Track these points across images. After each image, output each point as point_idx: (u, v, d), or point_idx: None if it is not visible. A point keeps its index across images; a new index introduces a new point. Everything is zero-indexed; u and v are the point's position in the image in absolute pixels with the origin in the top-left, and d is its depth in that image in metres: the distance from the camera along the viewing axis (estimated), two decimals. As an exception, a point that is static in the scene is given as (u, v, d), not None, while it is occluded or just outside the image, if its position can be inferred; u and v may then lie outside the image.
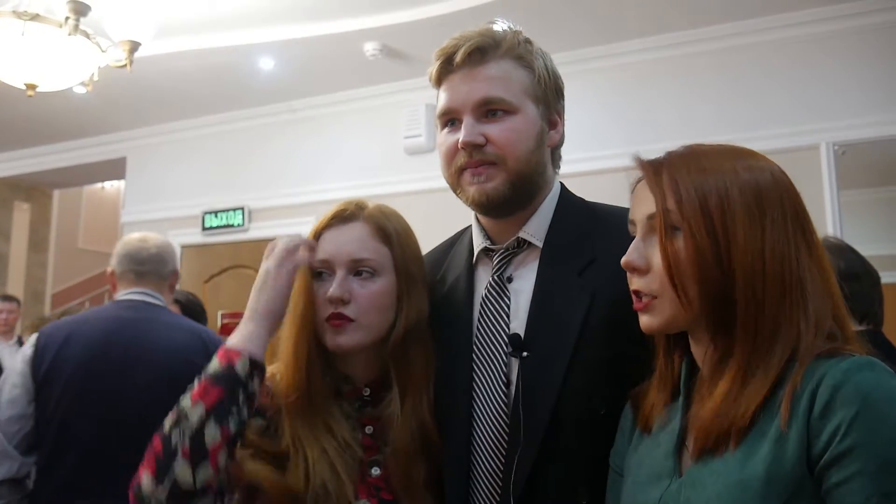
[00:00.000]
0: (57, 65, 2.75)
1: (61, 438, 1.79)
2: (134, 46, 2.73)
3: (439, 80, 1.16)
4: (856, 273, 1.77)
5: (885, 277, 2.00)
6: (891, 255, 3.73)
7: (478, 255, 1.21)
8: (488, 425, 1.09)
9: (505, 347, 1.10)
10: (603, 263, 1.09)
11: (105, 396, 1.80)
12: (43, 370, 1.82)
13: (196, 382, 0.99)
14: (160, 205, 5.05)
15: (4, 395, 1.82)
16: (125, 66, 2.76)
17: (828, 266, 0.86)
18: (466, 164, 1.11)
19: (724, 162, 0.87)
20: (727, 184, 0.85)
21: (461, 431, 1.11)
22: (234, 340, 1.03)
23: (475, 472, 1.09)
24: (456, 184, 1.15)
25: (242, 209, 4.73)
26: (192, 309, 2.82)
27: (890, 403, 0.73)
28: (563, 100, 1.20)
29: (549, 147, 1.17)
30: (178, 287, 4.74)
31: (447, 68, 1.14)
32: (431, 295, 1.21)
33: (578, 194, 1.24)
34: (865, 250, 1.92)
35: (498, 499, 1.06)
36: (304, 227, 4.46)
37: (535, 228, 1.15)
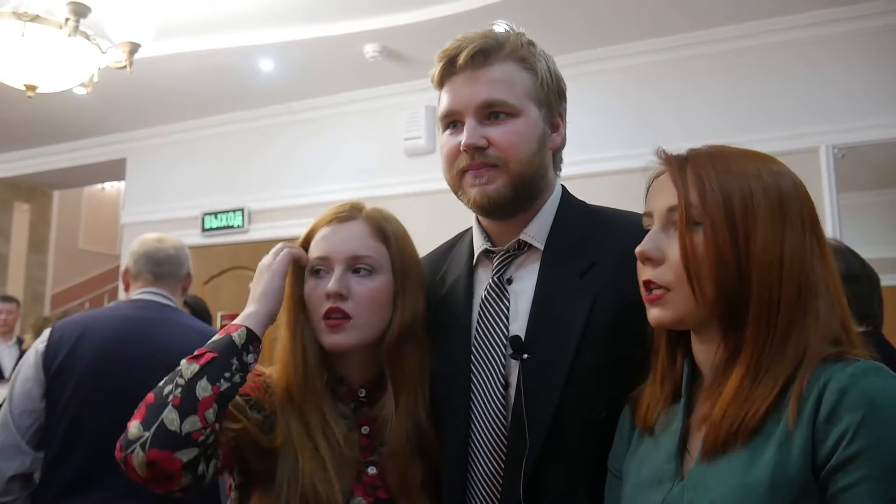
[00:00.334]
0: (57, 66, 2.74)
1: (71, 434, 1.78)
2: (134, 48, 2.73)
3: (441, 82, 1.16)
4: (856, 275, 1.79)
5: (885, 280, 2.01)
6: (890, 258, 3.74)
7: (478, 257, 1.20)
8: (486, 427, 1.09)
9: (504, 349, 1.10)
10: (604, 266, 1.09)
11: (117, 394, 1.77)
12: (56, 365, 1.81)
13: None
14: (160, 206, 5.05)
15: (17, 388, 1.80)
16: (125, 67, 2.76)
17: (836, 273, 0.87)
18: (468, 167, 1.11)
19: (749, 164, 0.88)
20: (751, 185, 0.85)
21: (459, 433, 1.11)
22: (235, 321, 1.07)
23: (472, 474, 1.09)
24: (457, 186, 1.15)
25: (242, 210, 4.73)
26: (199, 313, 2.82)
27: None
28: (566, 102, 1.20)
29: (550, 149, 1.17)
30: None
31: (450, 70, 1.14)
32: (431, 296, 1.22)
33: (578, 196, 1.24)
34: (865, 253, 1.92)
35: (497, 501, 1.06)
36: (304, 229, 4.45)
37: (537, 230, 1.15)
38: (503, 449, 1.07)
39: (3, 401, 1.82)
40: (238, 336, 1.03)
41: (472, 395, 1.11)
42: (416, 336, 1.16)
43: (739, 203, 0.84)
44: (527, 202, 1.14)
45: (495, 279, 1.16)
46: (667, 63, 3.73)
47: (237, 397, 1.04)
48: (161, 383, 0.99)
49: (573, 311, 1.07)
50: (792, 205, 0.85)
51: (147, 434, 0.93)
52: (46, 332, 1.89)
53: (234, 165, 4.84)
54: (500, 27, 1.16)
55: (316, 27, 3.72)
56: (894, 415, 0.73)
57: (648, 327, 0.92)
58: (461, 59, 1.11)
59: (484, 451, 1.08)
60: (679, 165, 0.89)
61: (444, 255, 1.29)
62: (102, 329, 1.87)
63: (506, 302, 1.13)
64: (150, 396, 0.98)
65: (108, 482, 1.73)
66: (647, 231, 0.92)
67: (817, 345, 0.81)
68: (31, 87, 2.75)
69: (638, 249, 0.90)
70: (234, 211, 4.76)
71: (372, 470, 1.12)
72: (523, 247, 1.16)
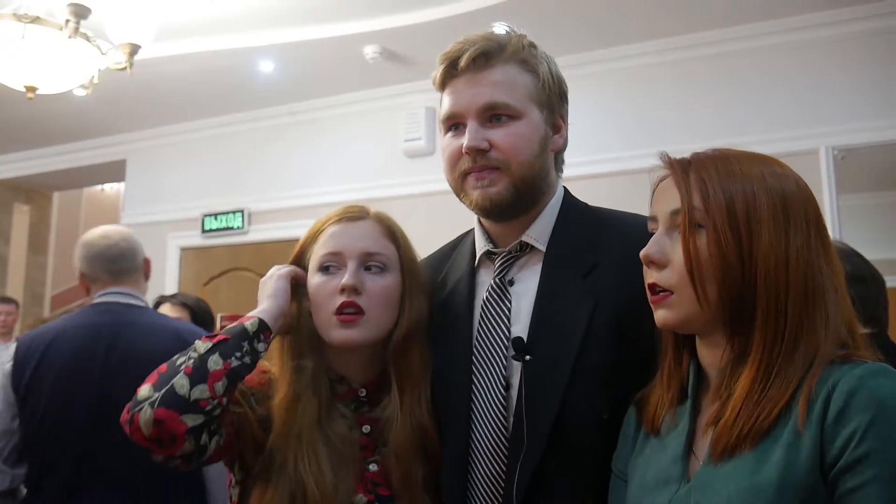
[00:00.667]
0: (57, 67, 2.75)
1: (52, 448, 1.76)
2: (134, 49, 2.73)
3: (443, 84, 1.16)
4: (862, 276, 1.79)
5: (886, 282, 2.01)
6: (890, 260, 3.73)
7: (480, 259, 1.21)
8: (487, 428, 1.09)
9: (506, 350, 1.10)
10: (606, 268, 1.09)
11: (93, 405, 1.77)
12: (24, 383, 1.77)
13: None
14: (160, 207, 5.05)
15: None
16: (125, 68, 2.76)
17: (841, 275, 0.87)
18: (470, 169, 1.12)
19: (752, 167, 0.88)
20: (755, 188, 0.86)
21: (460, 434, 1.11)
22: (251, 313, 1.11)
23: (473, 476, 1.09)
24: (459, 188, 1.15)
25: (242, 212, 4.72)
26: (202, 316, 2.80)
27: None
28: (567, 104, 1.20)
29: (552, 151, 1.17)
30: (178, 290, 4.76)
31: (451, 72, 1.14)
32: (432, 297, 1.22)
33: (578, 198, 1.24)
34: (865, 255, 1.92)
35: (498, 503, 1.06)
36: (304, 230, 4.45)
37: (539, 232, 1.15)
38: (504, 450, 1.07)
39: None
40: (250, 325, 1.06)
41: (474, 396, 1.11)
42: (420, 337, 1.17)
43: (742, 205, 0.85)
44: (529, 204, 1.14)
45: (497, 280, 1.16)
46: (667, 65, 3.73)
47: (243, 387, 1.07)
48: (175, 356, 1.03)
49: (575, 313, 1.07)
50: (796, 207, 0.86)
51: (157, 395, 0.96)
52: (12, 349, 1.85)
53: (234, 167, 4.84)
54: (501, 29, 1.16)
55: (316, 28, 3.72)
56: None
57: (656, 329, 0.93)
58: (463, 62, 1.11)
59: (485, 453, 1.08)
60: (682, 169, 0.89)
61: (445, 257, 1.29)
62: (68, 341, 1.82)
63: (507, 303, 1.13)
64: (164, 366, 1.02)
65: (97, 490, 1.73)
66: (652, 234, 0.92)
67: (827, 346, 0.81)
68: (32, 89, 2.75)
69: (642, 253, 0.90)
70: (233, 212, 4.75)
71: (373, 467, 1.13)
72: (525, 248, 1.16)
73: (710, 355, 0.90)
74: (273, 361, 1.17)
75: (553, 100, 1.15)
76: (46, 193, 6.47)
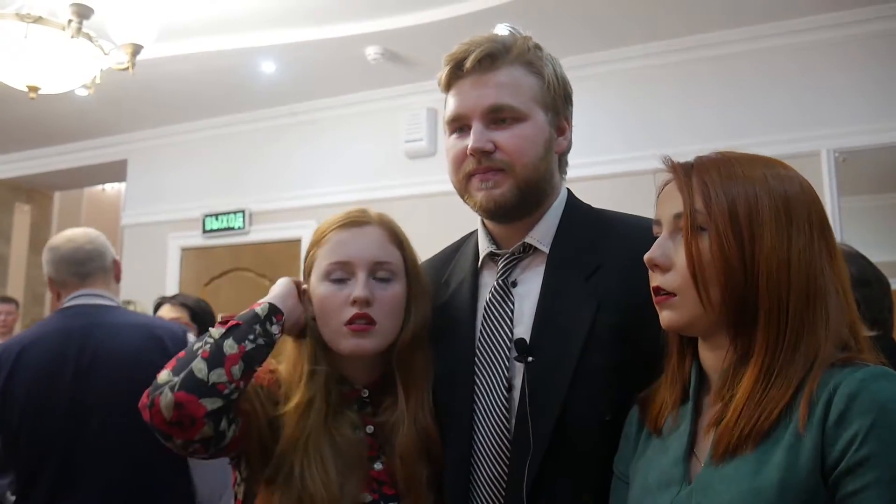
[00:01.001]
0: (59, 67, 2.75)
1: (32, 458, 1.76)
2: (136, 49, 2.73)
3: (448, 86, 1.16)
4: (867, 279, 1.79)
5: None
6: (891, 262, 3.73)
7: (483, 260, 1.21)
8: (489, 429, 1.09)
9: (508, 352, 1.10)
10: (610, 270, 1.10)
11: (66, 410, 1.76)
12: None
13: None
14: (160, 207, 5.05)
15: None
16: (127, 68, 2.77)
17: (846, 277, 0.87)
18: (475, 171, 1.12)
19: (755, 169, 0.88)
20: (757, 190, 0.86)
21: (462, 435, 1.11)
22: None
23: (476, 477, 1.09)
24: (464, 189, 1.15)
25: (243, 212, 4.73)
26: (202, 316, 2.80)
27: None
28: (572, 106, 1.20)
29: (556, 153, 1.17)
30: (179, 290, 4.75)
31: (457, 74, 1.14)
32: (435, 298, 1.22)
33: (579, 199, 1.24)
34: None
35: (502, 503, 1.06)
36: (305, 231, 4.46)
37: (542, 234, 1.16)
38: (506, 451, 1.07)
39: None
40: (261, 309, 1.08)
41: (476, 398, 1.11)
42: (423, 340, 1.17)
43: (744, 208, 0.85)
44: (533, 206, 1.15)
45: (500, 282, 1.16)
46: (669, 66, 3.73)
47: (254, 383, 1.07)
48: (192, 342, 1.05)
49: (578, 314, 1.07)
50: (798, 208, 0.86)
51: (176, 379, 0.98)
52: None
53: (235, 167, 4.84)
54: (505, 30, 1.16)
55: (317, 29, 3.72)
56: None
57: (661, 330, 0.93)
58: (468, 63, 1.11)
59: (487, 454, 1.08)
60: (685, 173, 0.90)
61: (448, 258, 1.30)
62: (39, 347, 1.81)
63: (510, 304, 1.13)
64: (182, 353, 1.04)
65: (83, 493, 1.73)
66: (656, 237, 0.92)
67: (828, 348, 0.81)
68: (34, 89, 2.76)
69: (646, 256, 0.91)
70: (234, 212, 4.75)
71: (378, 466, 1.13)
72: (528, 250, 1.16)
73: (712, 357, 0.90)
74: (285, 364, 1.17)
75: (558, 102, 1.16)
76: (47, 193, 6.47)
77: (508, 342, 1.11)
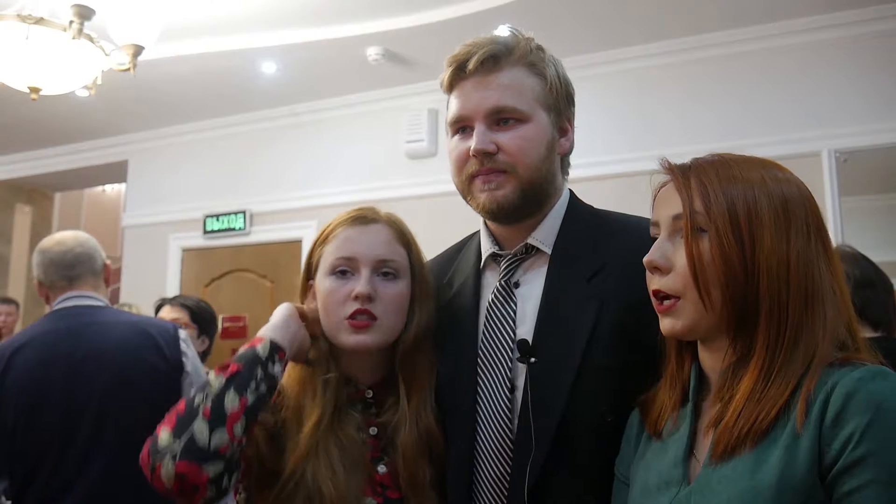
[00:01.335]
0: (61, 68, 2.75)
1: (27, 461, 1.76)
2: (137, 50, 2.73)
3: (451, 87, 1.16)
4: (871, 281, 1.80)
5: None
6: (893, 262, 3.73)
7: (485, 261, 1.21)
8: (492, 430, 1.09)
9: (511, 352, 1.10)
10: (612, 271, 1.10)
11: (59, 413, 1.76)
12: None
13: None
14: (161, 208, 5.05)
15: None
16: (129, 69, 2.77)
17: (842, 277, 0.88)
18: (477, 172, 1.12)
19: (753, 171, 0.89)
20: (755, 191, 0.86)
21: (465, 435, 1.11)
22: (260, 332, 1.08)
23: (478, 477, 1.09)
24: (466, 191, 1.15)
25: (244, 213, 4.73)
26: (203, 317, 2.80)
27: None
28: (574, 107, 1.20)
29: (559, 154, 1.17)
30: (179, 290, 4.75)
31: (459, 75, 1.14)
32: (438, 299, 1.22)
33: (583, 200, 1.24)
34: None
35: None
36: (306, 231, 4.46)
37: (545, 235, 1.16)
38: (509, 452, 1.07)
39: None
40: (262, 348, 1.04)
41: (479, 398, 1.11)
42: (427, 340, 1.18)
43: (744, 209, 0.85)
44: (535, 207, 1.15)
45: (503, 283, 1.16)
46: (669, 67, 3.73)
47: None
48: (192, 393, 1.00)
49: (580, 316, 1.07)
50: (797, 210, 0.86)
51: (177, 445, 0.94)
52: None
53: (236, 168, 4.84)
54: (506, 31, 1.16)
55: (318, 30, 3.72)
56: None
57: (660, 333, 0.93)
58: (471, 65, 1.11)
59: (490, 455, 1.08)
60: (683, 174, 0.90)
61: (451, 259, 1.30)
62: (30, 351, 1.81)
63: (513, 305, 1.14)
64: (181, 404, 0.99)
65: (77, 496, 1.73)
66: (655, 239, 0.92)
67: (825, 348, 0.82)
68: (35, 90, 2.76)
69: (646, 259, 0.91)
70: (235, 213, 4.76)
71: (382, 469, 1.13)
72: (531, 251, 1.16)
73: (712, 359, 0.90)
74: (288, 369, 1.16)
75: (560, 103, 1.16)
76: (48, 194, 6.47)
77: (511, 343, 1.11)
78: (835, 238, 3.22)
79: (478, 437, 1.10)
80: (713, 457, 0.83)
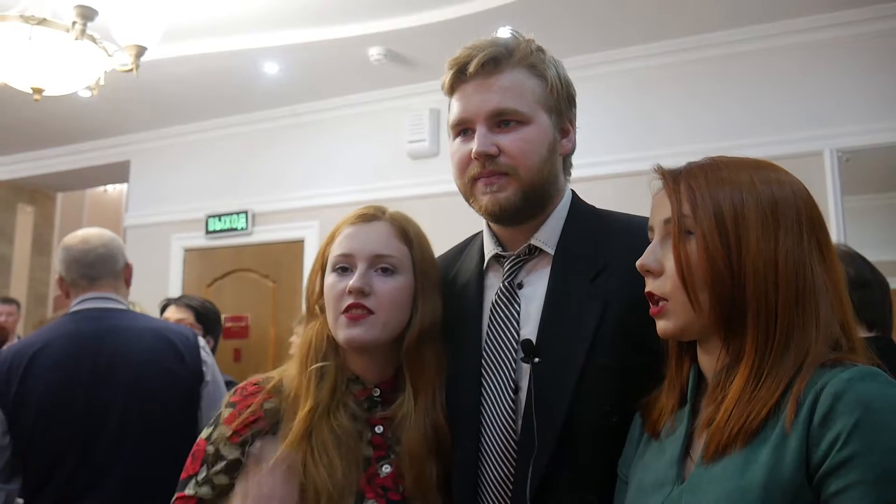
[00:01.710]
0: (63, 69, 2.75)
1: (44, 464, 1.75)
2: (140, 51, 2.73)
3: (452, 89, 1.17)
4: (866, 281, 1.79)
5: (890, 283, 2.01)
6: (893, 262, 3.73)
7: (488, 262, 1.21)
8: (497, 430, 1.09)
9: (515, 353, 1.11)
10: (614, 271, 1.10)
11: (81, 417, 1.75)
12: (11, 398, 1.74)
13: None
14: (163, 208, 5.06)
15: None
16: (131, 70, 2.77)
17: (840, 275, 0.88)
18: (479, 174, 1.12)
19: (742, 173, 0.89)
20: (743, 193, 0.87)
21: (470, 435, 1.11)
22: None
23: (483, 478, 1.10)
24: (469, 193, 1.16)
25: (246, 213, 4.74)
26: (208, 317, 2.81)
27: (891, 413, 0.73)
28: (575, 108, 1.21)
29: (561, 155, 1.18)
30: (181, 290, 4.76)
31: (460, 78, 1.14)
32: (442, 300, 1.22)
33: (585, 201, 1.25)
34: (868, 256, 1.93)
35: None
36: (308, 231, 4.47)
37: (547, 236, 1.16)
38: (513, 452, 1.07)
39: None
40: None
41: (483, 399, 1.12)
42: (434, 338, 1.18)
43: (730, 211, 0.86)
44: (537, 208, 1.15)
45: (506, 283, 1.16)
46: (669, 67, 3.74)
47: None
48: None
49: (584, 316, 1.08)
50: (787, 209, 0.87)
51: None
52: None
53: (238, 168, 4.85)
54: (507, 33, 1.16)
55: (320, 30, 3.73)
56: (889, 419, 0.73)
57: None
58: (472, 67, 1.12)
59: (494, 455, 1.09)
60: (674, 179, 0.92)
61: (454, 259, 1.30)
62: (52, 352, 1.79)
63: (516, 306, 1.14)
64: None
65: (93, 500, 1.72)
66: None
67: (818, 347, 0.82)
68: (38, 90, 2.76)
69: (638, 263, 0.93)
70: (237, 213, 4.76)
71: (386, 469, 1.13)
72: (534, 251, 1.17)
73: (708, 360, 0.91)
74: (289, 369, 1.17)
75: (561, 104, 1.16)
76: (50, 194, 6.48)
77: (515, 343, 1.11)
78: (836, 237, 3.22)
79: (482, 438, 1.10)
80: (705, 457, 0.83)
